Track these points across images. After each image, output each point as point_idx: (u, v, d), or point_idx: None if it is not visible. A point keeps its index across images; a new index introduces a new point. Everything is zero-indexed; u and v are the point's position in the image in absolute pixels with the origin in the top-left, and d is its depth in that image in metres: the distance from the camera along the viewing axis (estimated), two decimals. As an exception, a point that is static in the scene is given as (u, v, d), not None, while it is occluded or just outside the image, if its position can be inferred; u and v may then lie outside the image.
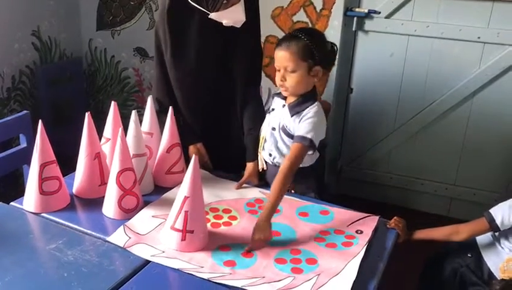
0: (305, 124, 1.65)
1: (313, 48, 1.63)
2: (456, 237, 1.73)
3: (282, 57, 1.64)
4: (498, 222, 1.66)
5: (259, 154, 1.82)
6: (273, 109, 1.78)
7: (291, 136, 1.70)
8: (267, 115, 1.81)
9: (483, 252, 1.75)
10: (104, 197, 1.60)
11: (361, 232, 1.56)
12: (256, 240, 1.46)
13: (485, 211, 1.69)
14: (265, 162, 1.82)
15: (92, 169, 1.64)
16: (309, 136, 1.63)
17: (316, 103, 1.69)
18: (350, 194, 3.01)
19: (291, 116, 1.69)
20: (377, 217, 1.65)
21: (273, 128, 1.76)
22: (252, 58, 1.90)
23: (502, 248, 1.71)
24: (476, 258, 1.76)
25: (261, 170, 1.84)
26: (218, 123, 1.96)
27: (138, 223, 1.53)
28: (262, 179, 1.85)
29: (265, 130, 1.80)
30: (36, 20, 2.94)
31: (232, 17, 1.73)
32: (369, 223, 1.61)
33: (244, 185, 1.82)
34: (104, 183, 1.63)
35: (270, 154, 1.79)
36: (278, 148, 1.76)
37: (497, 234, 1.73)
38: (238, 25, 1.74)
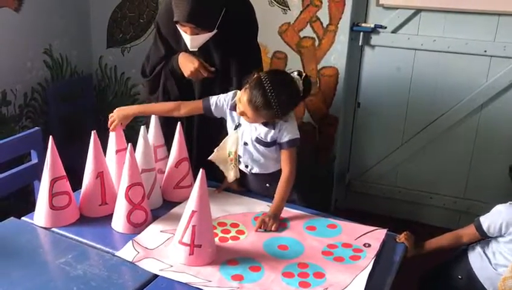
0: (287, 130, 1.72)
1: (276, 113, 1.65)
2: (461, 241, 1.75)
3: (247, 109, 1.65)
4: (484, 227, 1.68)
5: (234, 167, 1.83)
6: (239, 124, 1.78)
7: (267, 144, 1.75)
8: (233, 132, 1.79)
9: (477, 271, 1.72)
10: (104, 216, 1.62)
11: (369, 245, 1.56)
12: (266, 222, 1.63)
13: (476, 217, 1.72)
14: (241, 171, 1.86)
15: (93, 188, 1.64)
16: (297, 136, 1.74)
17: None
18: (358, 208, 3.00)
19: (265, 125, 1.73)
20: (385, 231, 1.65)
21: (246, 143, 1.78)
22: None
23: (493, 267, 1.69)
24: (467, 279, 1.74)
25: (234, 178, 1.88)
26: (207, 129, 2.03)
27: (147, 238, 1.54)
28: (244, 186, 1.91)
29: (234, 146, 1.79)
30: (48, 39, 3.00)
31: (185, 38, 1.85)
32: (377, 237, 1.61)
33: (252, 198, 1.83)
34: (105, 203, 1.65)
35: (247, 166, 1.83)
36: (254, 160, 1.80)
37: (488, 251, 1.72)
38: (190, 49, 1.87)
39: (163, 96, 2.06)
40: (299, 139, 1.75)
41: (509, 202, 1.70)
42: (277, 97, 1.62)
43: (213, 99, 1.81)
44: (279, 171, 1.77)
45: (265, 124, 1.72)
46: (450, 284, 1.79)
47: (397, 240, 1.63)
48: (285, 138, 1.73)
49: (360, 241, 1.59)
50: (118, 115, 1.81)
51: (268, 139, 1.74)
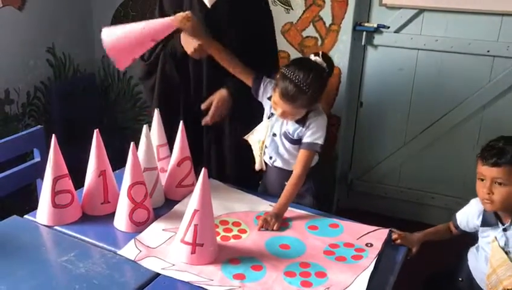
0: (312, 129, 1.72)
1: (312, 95, 1.65)
2: (450, 234, 1.78)
3: (285, 106, 1.66)
4: (458, 221, 1.72)
5: (259, 157, 1.86)
6: (272, 114, 1.80)
7: (293, 142, 1.76)
8: (266, 120, 1.83)
9: (473, 272, 1.73)
10: (107, 215, 1.63)
11: (371, 245, 1.56)
12: (268, 222, 1.61)
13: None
14: (265, 163, 1.88)
15: (95, 186, 1.64)
16: (319, 141, 1.73)
17: (317, 105, 1.75)
18: (360, 208, 3.00)
19: (297, 122, 1.73)
20: (387, 230, 1.65)
21: (274, 134, 1.80)
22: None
23: (480, 266, 1.70)
24: (468, 281, 1.74)
25: (257, 170, 1.90)
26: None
27: (149, 237, 1.55)
28: (261, 179, 1.91)
29: (263, 134, 1.82)
30: (51, 37, 3.01)
31: None
32: (379, 236, 1.61)
33: (255, 196, 1.83)
34: (107, 201, 1.65)
35: (271, 157, 1.84)
36: (278, 153, 1.81)
37: (478, 250, 1.73)
38: (208, 4, 1.83)
39: (161, 82, 2.03)
40: (321, 146, 1.73)
41: None
42: (304, 79, 1.62)
43: (266, 81, 1.82)
44: None
45: (296, 121, 1.73)
46: (453, 286, 1.78)
47: (393, 243, 1.61)
48: (306, 138, 1.73)
49: (362, 241, 1.59)
50: (192, 24, 1.72)
51: (295, 136, 1.75)
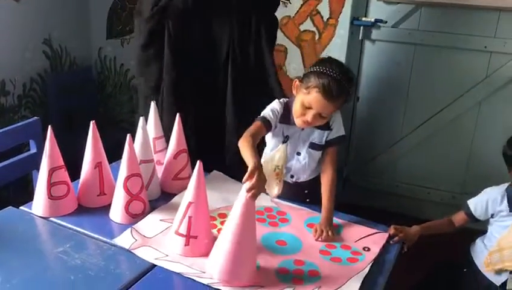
0: (336, 126, 1.70)
1: (348, 93, 1.64)
2: (452, 226, 1.80)
3: (324, 106, 1.58)
4: (472, 209, 1.74)
5: (279, 183, 1.70)
6: (287, 137, 1.70)
7: (321, 148, 1.71)
8: (282, 146, 1.70)
9: (476, 261, 1.74)
10: (103, 207, 1.62)
11: (369, 249, 1.52)
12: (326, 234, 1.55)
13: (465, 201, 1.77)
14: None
15: (92, 178, 1.64)
16: (343, 132, 1.72)
17: None
18: (356, 203, 2.99)
19: (320, 128, 1.69)
20: (386, 235, 1.60)
21: (299, 153, 1.73)
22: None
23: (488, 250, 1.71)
24: (472, 272, 1.74)
25: (278, 194, 1.72)
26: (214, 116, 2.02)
27: (146, 226, 1.55)
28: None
29: (282, 160, 1.69)
30: (47, 29, 3.00)
31: None
32: (378, 241, 1.57)
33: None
34: (103, 193, 1.65)
35: (292, 176, 1.77)
36: (305, 169, 1.74)
37: (485, 239, 1.74)
38: None
39: (169, 39, 2.00)
40: (345, 136, 1.74)
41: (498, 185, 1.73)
42: (342, 75, 1.57)
43: (267, 114, 1.66)
44: (318, 176, 1.74)
45: (320, 127, 1.68)
46: (458, 278, 1.79)
47: (392, 242, 1.59)
48: (334, 135, 1.70)
49: (359, 244, 1.56)
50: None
51: (323, 142, 1.70)
